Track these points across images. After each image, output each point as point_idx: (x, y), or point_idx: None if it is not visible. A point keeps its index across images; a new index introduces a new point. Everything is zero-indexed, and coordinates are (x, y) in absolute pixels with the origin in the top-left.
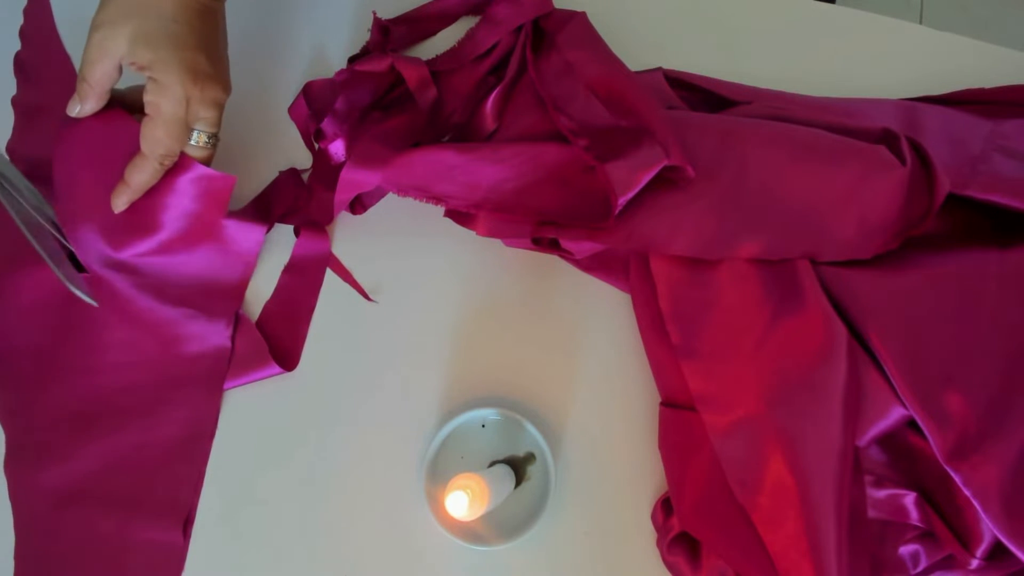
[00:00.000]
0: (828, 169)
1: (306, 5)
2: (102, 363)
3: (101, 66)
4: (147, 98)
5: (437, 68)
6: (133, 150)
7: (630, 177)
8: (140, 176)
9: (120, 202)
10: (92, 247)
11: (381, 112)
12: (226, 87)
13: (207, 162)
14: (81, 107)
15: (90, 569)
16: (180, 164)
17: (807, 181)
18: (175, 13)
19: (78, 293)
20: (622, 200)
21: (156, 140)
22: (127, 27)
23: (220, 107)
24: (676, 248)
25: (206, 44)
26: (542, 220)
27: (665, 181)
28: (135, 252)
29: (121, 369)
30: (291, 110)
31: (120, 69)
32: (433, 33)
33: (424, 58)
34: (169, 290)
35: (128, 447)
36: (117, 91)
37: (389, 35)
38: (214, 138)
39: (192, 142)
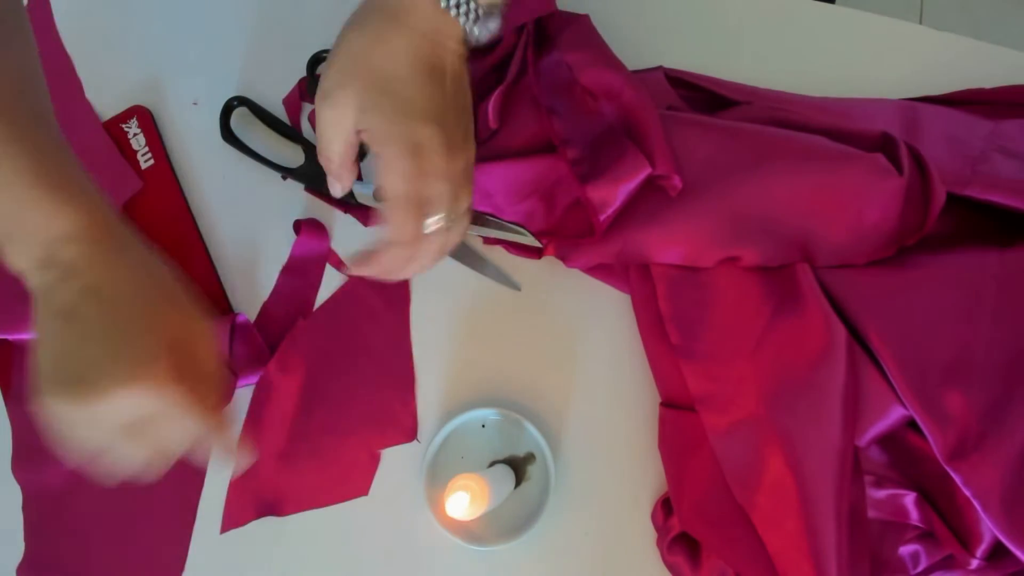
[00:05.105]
0: (824, 179)
1: (306, 6)
2: None
3: (336, 143)
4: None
5: None
6: None
7: (610, 193)
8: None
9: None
10: None
11: None
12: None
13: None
14: (340, 186)
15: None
16: None
17: (802, 191)
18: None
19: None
20: (602, 217)
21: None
22: (351, 92)
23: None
24: (669, 258)
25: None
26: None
27: (658, 190)
28: None
29: None
30: (286, 100)
31: (358, 137)
32: None
33: None
34: None
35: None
36: None
37: None
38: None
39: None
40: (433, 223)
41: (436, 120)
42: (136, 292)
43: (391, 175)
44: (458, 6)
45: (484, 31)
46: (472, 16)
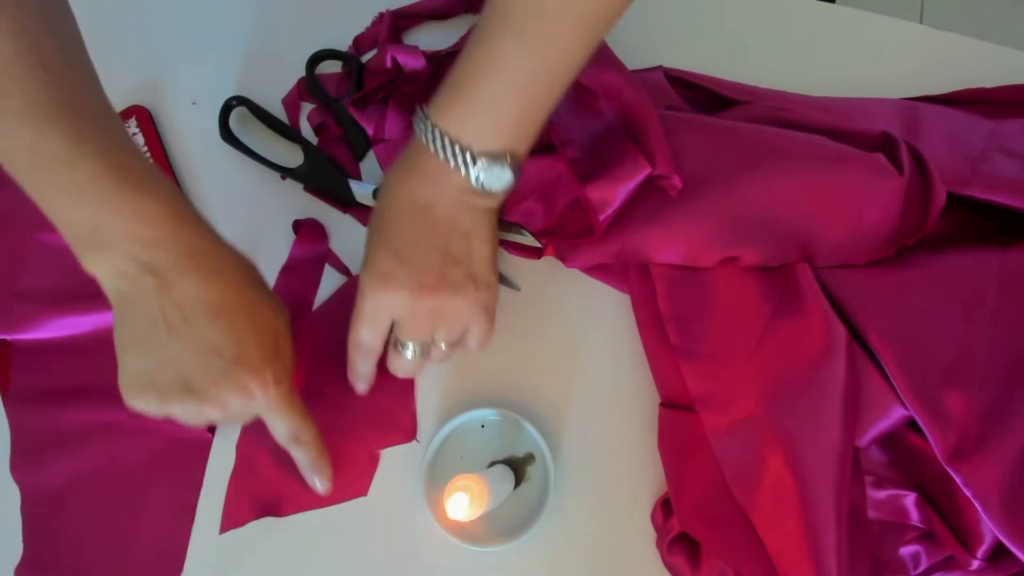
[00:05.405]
0: (824, 179)
1: (306, 6)
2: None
3: None
4: None
5: (441, 68)
6: None
7: (610, 193)
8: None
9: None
10: None
11: (380, 104)
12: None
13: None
14: None
15: (97, 546)
16: None
17: (802, 191)
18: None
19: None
20: (602, 217)
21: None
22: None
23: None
24: (669, 257)
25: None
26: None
27: (657, 190)
28: None
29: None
30: (285, 100)
31: None
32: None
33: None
34: None
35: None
36: None
37: (387, 27)
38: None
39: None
40: (407, 350)
41: (403, 257)
42: (236, 298)
43: (358, 291)
44: (453, 156)
45: (493, 180)
46: (468, 164)
